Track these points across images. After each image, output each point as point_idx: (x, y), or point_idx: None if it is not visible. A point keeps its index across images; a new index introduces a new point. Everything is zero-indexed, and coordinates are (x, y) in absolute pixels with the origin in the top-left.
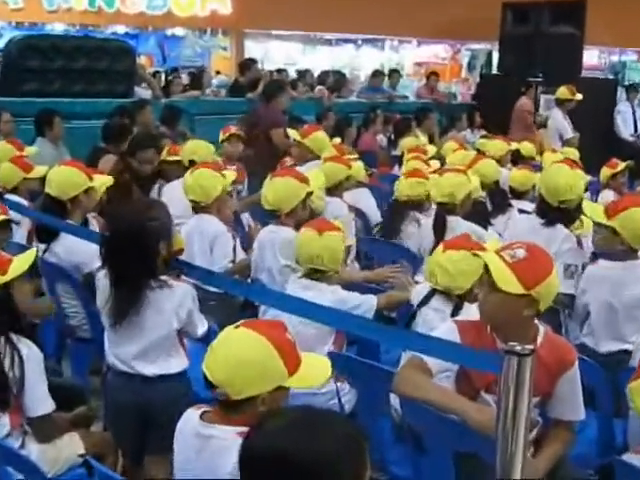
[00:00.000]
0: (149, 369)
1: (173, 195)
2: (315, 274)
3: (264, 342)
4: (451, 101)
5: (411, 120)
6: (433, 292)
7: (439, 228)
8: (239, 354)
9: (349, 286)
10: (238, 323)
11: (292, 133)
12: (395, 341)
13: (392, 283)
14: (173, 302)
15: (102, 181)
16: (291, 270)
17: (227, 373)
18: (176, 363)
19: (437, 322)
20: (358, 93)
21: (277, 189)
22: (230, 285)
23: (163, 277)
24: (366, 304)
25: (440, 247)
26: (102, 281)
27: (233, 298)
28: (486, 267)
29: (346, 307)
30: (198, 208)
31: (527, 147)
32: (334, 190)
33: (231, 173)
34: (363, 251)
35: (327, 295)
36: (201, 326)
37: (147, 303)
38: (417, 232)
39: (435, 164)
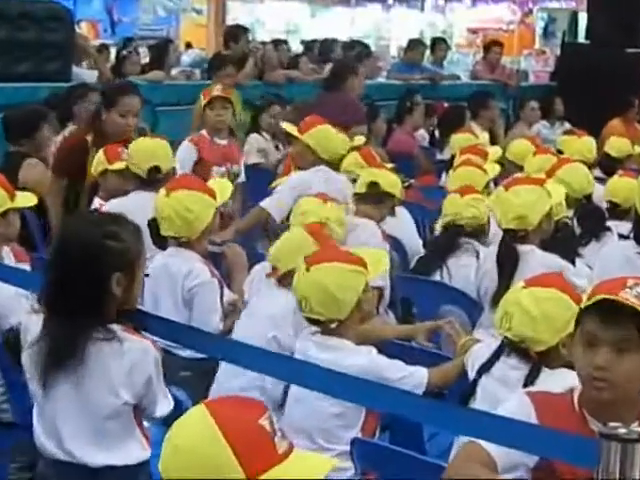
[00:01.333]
0: (95, 457)
1: None
2: (328, 327)
3: (216, 435)
4: (520, 82)
5: (464, 110)
6: (501, 350)
7: (507, 263)
8: (190, 447)
9: (379, 347)
10: (204, 402)
11: (287, 126)
12: (445, 422)
13: (449, 341)
14: (124, 364)
15: (26, 199)
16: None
17: (178, 471)
18: (132, 451)
19: (504, 394)
20: (388, 72)
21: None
22: (213, 346)
23: (113, 326)
24: (413, 379)
25: (520, 284)
26: (32, 331)
27: (217, 366)
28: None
29: (384, 380)
30: (169, 242)
31: (618, 144)
32: (371, 210)
33: (224, 186)
34: (398, 295)
35: (355, 359)
36: (163, 403)
37: (88, 361)
38: (475, 269)
39: (494, 170)
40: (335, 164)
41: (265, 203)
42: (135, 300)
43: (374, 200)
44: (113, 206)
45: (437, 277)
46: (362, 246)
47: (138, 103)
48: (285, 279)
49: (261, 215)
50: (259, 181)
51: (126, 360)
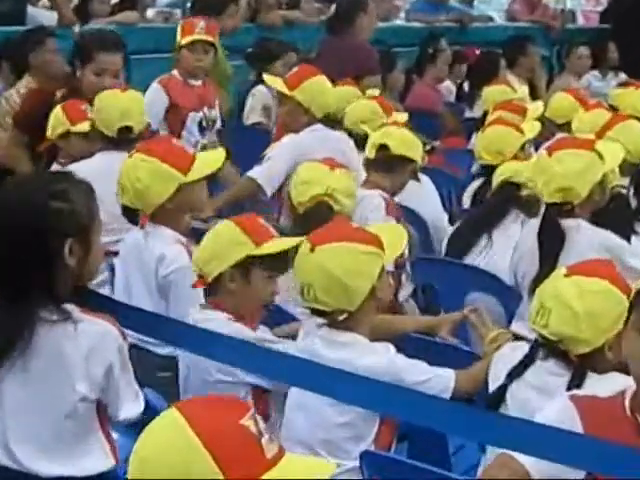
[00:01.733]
0: (47, 467)
1: None
2: (335, 319)
3: (192, 441)
4: (566, 25)
5: (498, 57)
6: (535, 350)
7: (550, 243)
8: (162, 457)
9: (396, 344)
10: (175, 404)
11: (271, 80)
12: (474, 432)
13: (475, 334)
14: (80, 350)
15: None
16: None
17: None
18: (93, 460)
19: (540, 402)
20: (407, 13)
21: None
22: (195, 341)
23: (68, 306)
24: (438, 382)
25: (560, 271)
26: None
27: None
28: None
29: (405, 380)
30: (140, 217)
31: None
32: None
33: (211, 158)
34: (419, 280)
35: (370, 359)
36: (130, 404)
37: (38, 348)
38: (513, 246)
39: (533, 130)
40: (334, 123)
41: (254, 172)
42: (93, 273)
43: (385, 167)
44: (75, 170)
45: (474, 256)
46: (361, 223)
47: (119, 61)
48: (215, 291)
49: (249, 187)
50: (257, 145)
51: (82, 345)
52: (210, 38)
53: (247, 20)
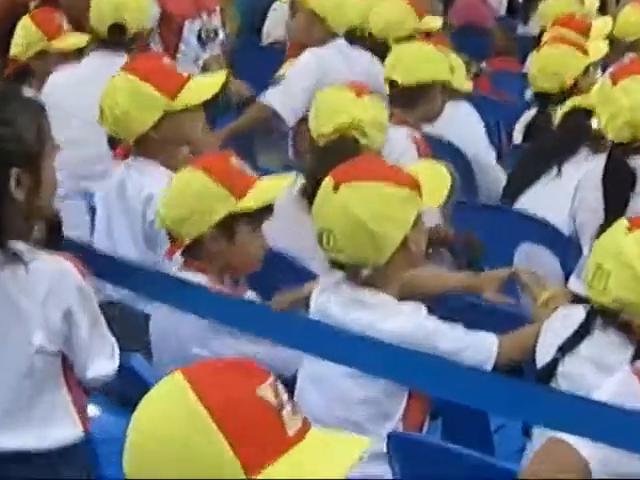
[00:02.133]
0: (2, 439)
1: (62, 107)
2: (358, 274)
3: (201, 417)
4: None
5: None
6: (592, 318)
7: (616, 187)
8: (166, 435)
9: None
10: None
11: None
12: (519, 409)
13: (526, 293)
14: (34, 293)
15: None
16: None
17: (149, 470)
18: (58, 428)
19: (598, 380)
20: None
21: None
22: (189, 298)
23: (17, 245)
24: (478, 349)
25: (622, 223)
26: None
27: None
28: None
29: (438, 348)
30: (125, 148)
31: None
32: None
33: (208, 82)
34: (460, 229)
35: (396, 321)
36: (101, 360)
37: None
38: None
39: (599, 51)
40: (359, 40)
41: (268, 97)
42: (47, 208)
43: (402, 101)
44: (60, 77)
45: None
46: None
47: None
48: (196, 251)
49: (262, 114)
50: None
51: (35, 288)
52: None
53: None
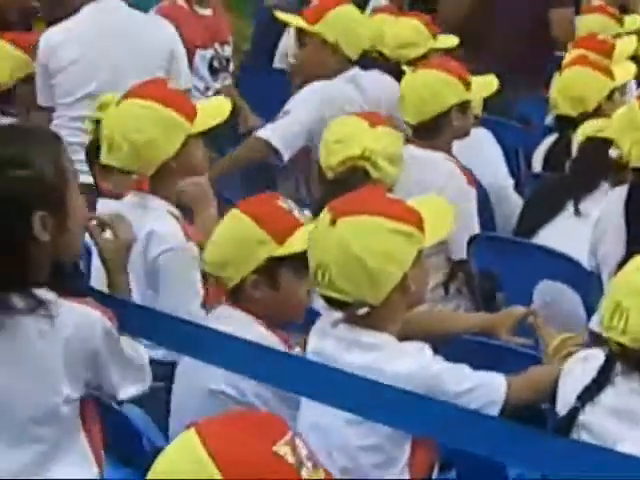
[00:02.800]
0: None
1: None
2: (354, 314)
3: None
4: None
5: None
6: (612, 363)
7: (638, 217)
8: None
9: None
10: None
11: (285, 16)
12: (540, 461)
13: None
14: (58, 342)
15: None
16: None
17: None
18: (77, 468)
19: (624, 431)
20: None
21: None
22: (190, 341)
23: (43, 292)
24: (486, 391)
25: (638, 260)
26: None
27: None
28: None
29: (442, 390)
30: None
31: None
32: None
33: (216, 105)
34: (477, 265)
35: (399, 363)
36: (128, 383)
37: (4, 344)
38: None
39: (627, 72)
40: (374, 61)
41: (265, 131)
42: (75, 248)
43: (419, 134)
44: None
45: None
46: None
47: None
48: (239, 295)
49: (258, 150)
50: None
51: (61, 336)
52: None
53: None
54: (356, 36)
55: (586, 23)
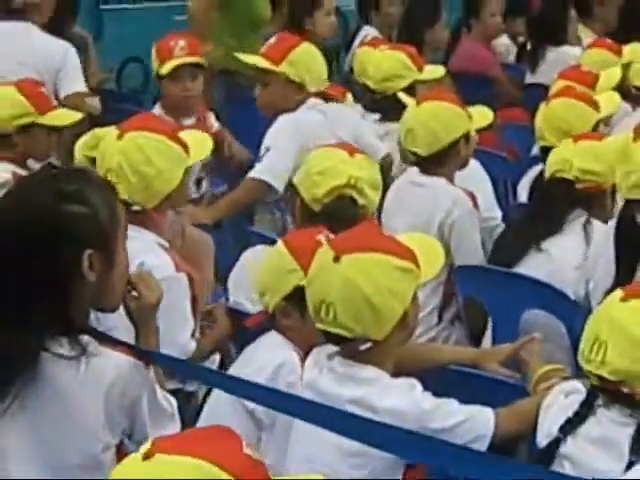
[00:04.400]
0: None
1: None
2: (354, 349)
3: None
4: None
5: (569, 6)
6: (593, 396)
7: (627, 248)
8: None
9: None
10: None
11: (248, 58)
12: None
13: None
14: (97, 391)
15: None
16: None
17: None
18: None
19: (607, 463)
20: None
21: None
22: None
23: (83, 338)
24: (473, 425)
25: (616, 293)
26: None
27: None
28: None
29: (431, 427)
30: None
31: None
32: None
33: (199, 139)
34: (463, 294)
35: (391, 400)
36: (159, 429)
37: (44, 389)
38: (582, 253)
39: (612, 104)
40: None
41: (256, 171)
42: (117, 297)
43: (428, 166)
44: None
45: (523, 268)
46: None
47: None
48: (275, 322)
49: (254, 189)
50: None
51: (102, 386)
52: (196, 59)
53: None
54: (319, 73)
55: (589, 57)
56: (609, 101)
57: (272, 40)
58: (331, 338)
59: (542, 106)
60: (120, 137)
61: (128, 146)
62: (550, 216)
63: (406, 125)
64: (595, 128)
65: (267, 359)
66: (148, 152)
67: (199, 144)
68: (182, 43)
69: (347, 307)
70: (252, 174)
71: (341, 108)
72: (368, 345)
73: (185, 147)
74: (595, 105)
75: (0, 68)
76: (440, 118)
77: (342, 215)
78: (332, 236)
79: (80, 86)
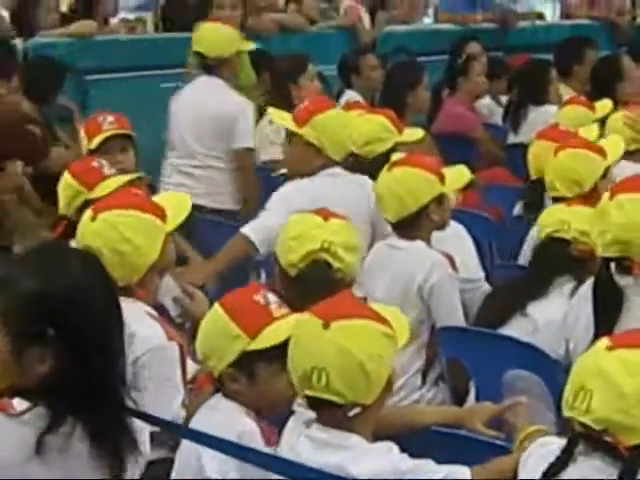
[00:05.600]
0: None
1: None
2: (335, 415)
3: None
4: (637, 21)
5: (549, 67)
6: (574, 444)
7: (606, 306)
8: None
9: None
10: None
11: (276, 116)
12: None
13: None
14: None
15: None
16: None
17: None
18: None
19: None
20: (436, 11)
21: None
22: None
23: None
24: None
25: (603, 342)
26: None
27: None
28: None
29: None
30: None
31: None
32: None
33: (177, 202)
34: (446, 354)
35: (369, 463)
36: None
37: None
38: (561, 315)
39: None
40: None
41: (246, 227)
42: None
43: (403, 232)
44: None
45: (506, 331)
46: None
47: None
48: (222, 386)
49: (242, 245)
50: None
51: None
52: (125, 131)
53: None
54: (341, 141)
55: (565, 115)
56: (614, 146)
57: (306, 101)
58: (316, 405)
59: (550, 158)
60: (94, 219)
61: (102, 227)
62: (538, 278)
63: (376, 191)
64: (604, 175)
65: (224, 426)
66: (122, 230)
67: (177, 206)
68: (110, 118)
69: (341, 373)
70: (243, 229)
71: (353, 178)
72: (357, 410)
73: (161, 213)
74: (601, 152)
75: None
76: (406, 184)
77: (317, 279)
78: (270, 294)
79: None
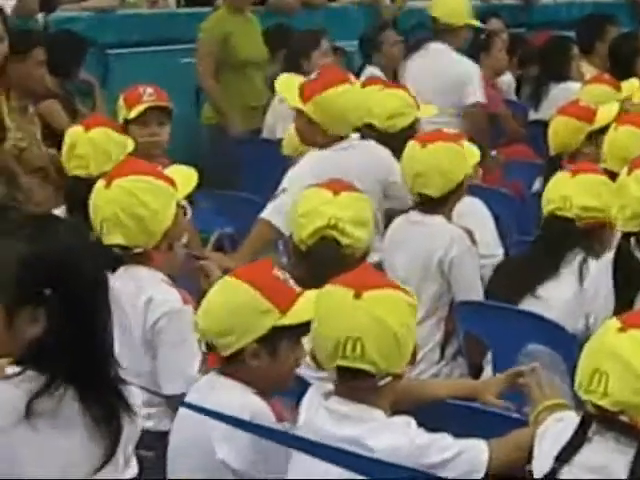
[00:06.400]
0: None
1: None
2: (375, 384)
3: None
4: None
5: (571, 43)
6: (588, 425)
7: (624, 278)
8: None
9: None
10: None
11: (283, 89)
12: None
13: (527, 397)
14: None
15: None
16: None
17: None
18: None
19: None
20: None
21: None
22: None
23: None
24: (467, 459)
25: (613, 323)
26: None
27: None
28: None
29: (427, 462)
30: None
31: None
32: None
33: (184, 174)
34: (463, 329)
35: (386, 438)
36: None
37: None
38: (577, 289)
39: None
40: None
41: (265, 212)
42: None
43: (436, 204)
44: None
45: (525, 304)
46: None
47: None
48: (234, 363)
49: (265, 232)
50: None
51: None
52: (164, 103)
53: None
54: (344, 118)
55: (588, 92)
56: None
57: (314, 74)
58: (347, 375)
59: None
60: (108, 186)
61: (118, 193)
62: (547, 259)
63: (414, 169)
64: None
65: (235, 406)
66: (139, 195)
67: (185, 179)
68: (150, 90)
69: (376, 342)
70: (263, 214)
71: (375, 149)
72: (388, 380)
73: (172, 183)
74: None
75: None
76: (448, 159)
77: (325, 256)
78: (282, 271)
79: None
